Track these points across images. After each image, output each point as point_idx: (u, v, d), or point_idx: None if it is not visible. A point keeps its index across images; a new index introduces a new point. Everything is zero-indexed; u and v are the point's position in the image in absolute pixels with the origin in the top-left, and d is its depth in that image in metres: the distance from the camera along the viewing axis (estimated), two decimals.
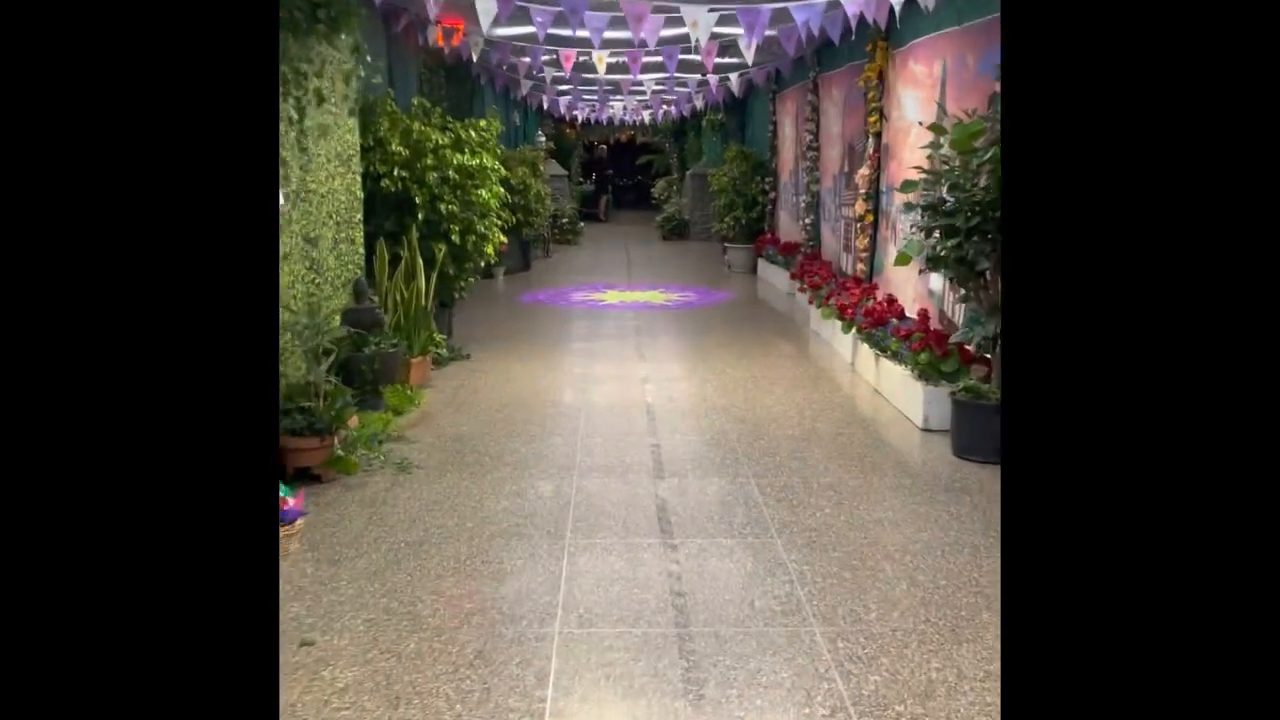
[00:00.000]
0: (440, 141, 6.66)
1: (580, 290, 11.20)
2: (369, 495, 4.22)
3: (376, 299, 6.17)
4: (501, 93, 13.47)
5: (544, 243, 14.57)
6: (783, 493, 4.28)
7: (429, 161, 6.59)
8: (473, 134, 6.85)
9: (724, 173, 12.90)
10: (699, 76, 11.99)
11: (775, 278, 11.36)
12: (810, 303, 8.27)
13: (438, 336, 6.45)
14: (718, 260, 14.06)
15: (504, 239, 7.08)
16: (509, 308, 9.94)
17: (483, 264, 7.04)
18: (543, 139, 15.06)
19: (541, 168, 13.93)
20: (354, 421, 4.76)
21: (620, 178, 26.11)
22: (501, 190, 6.97)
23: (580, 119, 18.30)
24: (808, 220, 10.13)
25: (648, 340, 8.07)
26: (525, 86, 11.76)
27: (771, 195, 12.51)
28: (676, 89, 13.75)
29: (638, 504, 4.13)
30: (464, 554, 3.60)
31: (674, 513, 4.03)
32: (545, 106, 13.79)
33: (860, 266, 7.59)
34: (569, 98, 13.43)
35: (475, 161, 6.73)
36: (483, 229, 6.84)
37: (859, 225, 7.65)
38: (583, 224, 17.44)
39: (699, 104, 12.46)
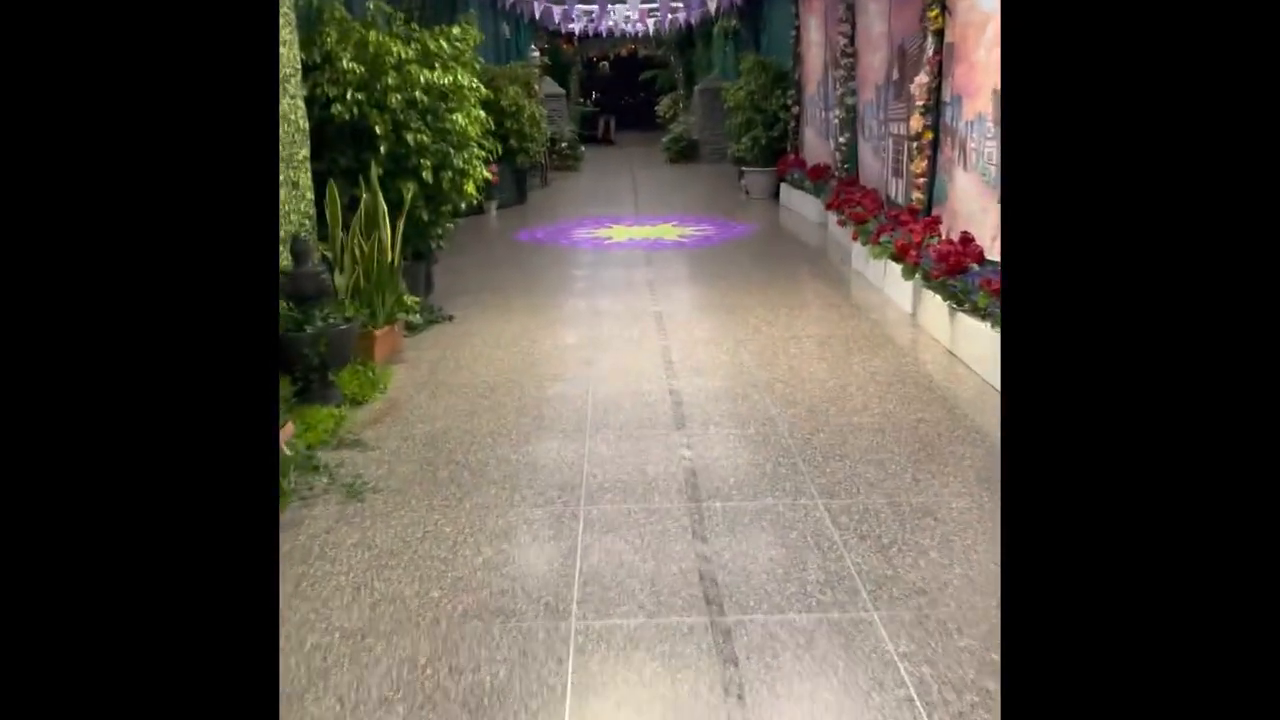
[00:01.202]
0: (404, 55, 5.37)
1: (582, 225, 9.94)
2: (301, 544, 3.09)
3: (330, 255, 4.97)
4: (487, 1, 12.00)
5: (542, 170, 13.23)
6: (865, 524, 3.14)
7: (390, 81, 5.30)
8: (444, 45, 5.53)
9: (740, 86, 11.48)
10: None
11: (802, 205, 10.07)
12: (854, 239, 7.02)
13: (408, 299, 5.25)
14: (733, 185, 12.73)
15: (488, 174, 5.82)
16: (501, 249, 8.69)
17: (463, 205, 5.79)
18: (536, 54, 13.57)
19: (536, 87, 12.53)
20: (288, 431, 3.61)
21: (622, 95, 24.47)
22: (483, 115, 5.67)
23: (577, 32, 16.76)
24: (842, 140, 8.79)
25: (663, 289, 6.85)
26: None
27: (795, 111, 11.11)
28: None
29: (668, 553, 2.99)
30: (422, 656, 2.48)
31: (722, 568, 2.89)
32: (537, 17, 12.29)
33: (917, 195, 6.33)
34: (564, 6, 11.93)
35: (449, 79, 5.43)
36: (460, 163, 5.58)
37: (915, 145, 6.36)
38: (584, 148, 16.01)
39: (711, 6, 10.97)
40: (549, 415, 4.26)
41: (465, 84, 5.49)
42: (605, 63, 21.93)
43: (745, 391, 4.51)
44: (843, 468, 3.61)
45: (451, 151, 5.51)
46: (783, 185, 10.90)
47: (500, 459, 3.77)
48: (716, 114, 16.10)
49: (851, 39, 8.44)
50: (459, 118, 5.42)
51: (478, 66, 5.83)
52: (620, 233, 9.41)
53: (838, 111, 8.89)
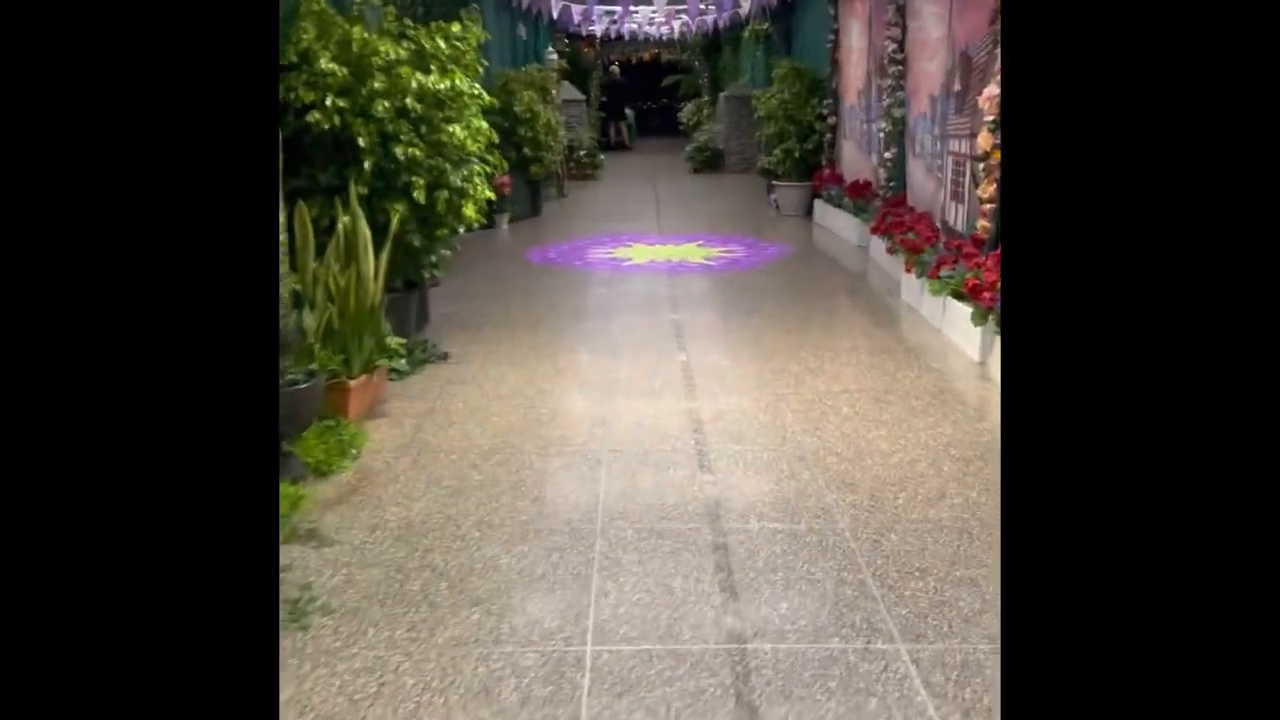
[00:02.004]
0: (395, 55, 4.61)
1: (600, 243, 9.16)
2: None
3: (299, 288, 4.21)
4: (503, 2, 11.26)
5: (558, 181, 12.47)
6: (968, 688, 2.33)
7: (377, 85, 4.54)
8: (441, 45, 4.77)
9: (772, 95, 10.67)
10: None
11: (838, 224, 9.26)
12: (908, 270, 6.21)
13: (393, 341, 4.48)
14: (761, 199, 11.93)
15: (491, 193, 5.05)
16: (509, 271, 7.91)
17: (461, 229, 5.03)
18: (554, 57, 12.80)
19: (554, 92, 11.78)
20: None
21: (645, 101, 23.70)
22: (485, 126, 4.90)
23: (599, 34, 16.02)
24: (887, 155, 7.98)
25: (689, 325, 6.06)
26: None
27: (831, 122, 10.30)
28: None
29: None
30: None
31: None
32: (555, 17, 11.53)
33: (983, 224, 5.51)
34: (584, 5, 11.17)
35: (446, 84, 4.67)
36: (459, 181, 4.81)
37: (982, 166, 5.54)
38: (602, 156, 15.24)
39: (745, 7, 10.17)
40: (551, 498, 3.47)
41: (465, 89, 4.72)
42: (615, 66, 21.09)
43: (792, 468, 3.71)
44: (925, 590, 2.80)
45: (448, 168, 4.75)
46: (817, 202, 10.09)
47: (487, 563, 2.98)
48: (743, 123, 15.31)
49: (901, 44, 7.63)
50: (457, 129, 4.65)
51: (482, 69, 5.05)
52: (640, 253, 8.62)
53: (883, 124, 8.07)
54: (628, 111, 20.71)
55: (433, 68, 4.75)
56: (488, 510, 3.36)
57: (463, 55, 4.83)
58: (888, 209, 7.41)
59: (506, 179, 9.83)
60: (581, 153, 14.58)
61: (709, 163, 15.64)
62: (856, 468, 3.71)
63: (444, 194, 4.76)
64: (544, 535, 3.17)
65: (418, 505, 3.41)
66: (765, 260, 8.18)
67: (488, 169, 5.10)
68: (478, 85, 4.85)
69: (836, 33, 10.05)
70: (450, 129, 4.66)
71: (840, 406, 4.43)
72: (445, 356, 5.20)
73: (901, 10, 7.57)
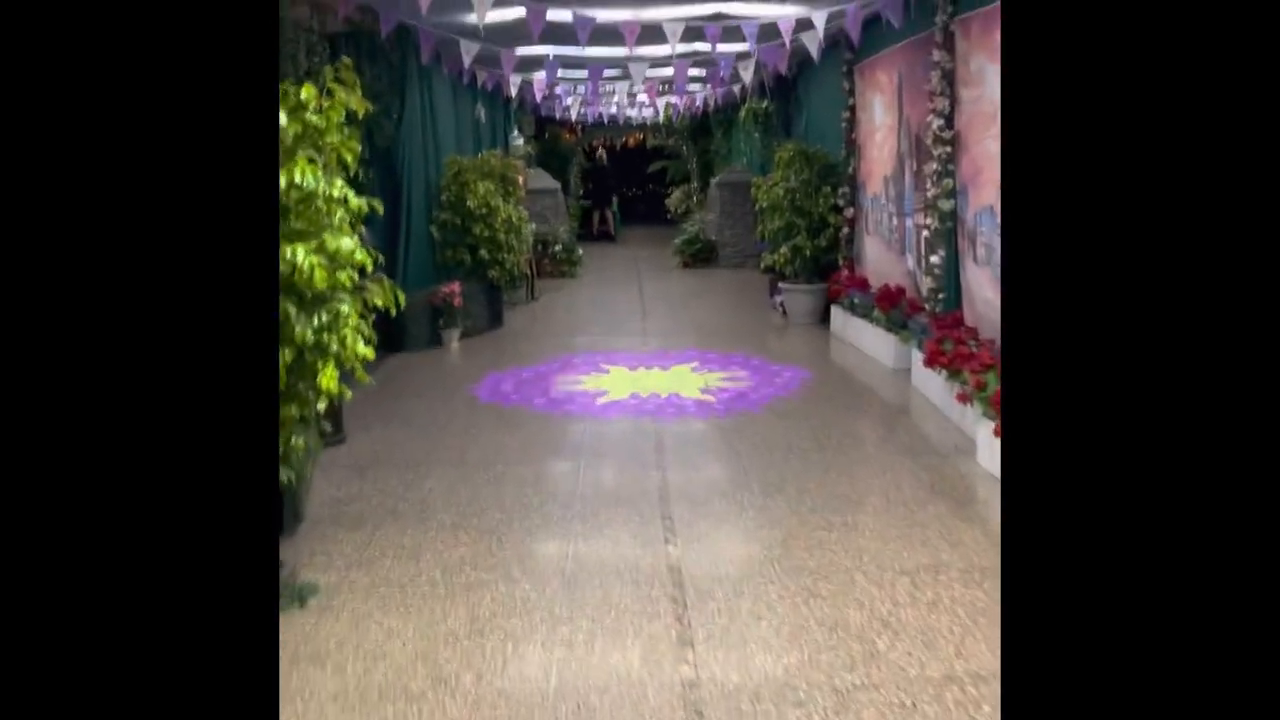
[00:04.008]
0: None
1: (571, 366, 7.33)
2: None
3: None
4: (467, 84, 9.68)
5: (528, 282, 10.72)
6: None
7: None
8: (282, 118, 2.98)
9: (776, 183, 9.00)
10: (738, 47, 8.13)
11: (866, 340, 7.47)
12: (998, 435, 4.36)
13: None
14: (762, 299, 10.19)
15: (369, 350, 3.21)
16: (446, 416, 6.02)
17: (320, 404, 3.15)
18: (519, 140, 11.18)
19: (520, 180, 10.11)
20: None
21: (629, 187, 22.26)
22: (353, 245, 3.08)
23: (573, 118, 14.57)
24: (934, 259, 6.22)
25: (687, 523, 4.17)
26: (474, 62, 7.96)
27: (848, 214, 8.61)
28: (693, 74, 9.93)
29: None
30: None
31: None
32: (514, 95, 9.92)
33: None
34: (545, 80, 9.57)
35: (284, 179, 2.86)
36: (309, 333, 2.97)
37: None
38: (580, 251, 13.56)
39: (746, 78, 8.52)
40: None
41: (316, 189, 2.91)
42: (602, 151, 19.69)
43: None
44: None
45: (292, 313, 2.91)
46: (834, 309, 8.33)
47: None
48: (738, 211, 13.72)
49: (950, 119, 5.94)
50: (300, 251, 2.82)
51: (360, 147, 3.27)
52: (620, 382, 6.79)
53: (928, 219, 6.34)
54: (613, 198, 19.25)
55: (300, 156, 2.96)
56: None
57: (321, 133, 3.04)
58: (944, 331, 5.61)
59: (456, 287, 8.07)
60: (557, 248, 12.89)
61: (700, 256, 13.96)
62: None
63: (286, 353, 2.91)
64: None
65: None
66: (779, 393, 6.34)
67: (370, 306, 3.27)
68: (341, 184, 3.04)
69: (853, 109, 8.43)
70: (292, 249, 2.83)
71: (950, 708, 2.52)
72: (303, 600, 3.30)
73: (950, 78, 5.90)
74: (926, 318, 6.17)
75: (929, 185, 6.22)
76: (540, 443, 5.38)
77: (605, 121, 16.15)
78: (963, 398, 4.85)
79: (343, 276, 3.06)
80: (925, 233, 6.39)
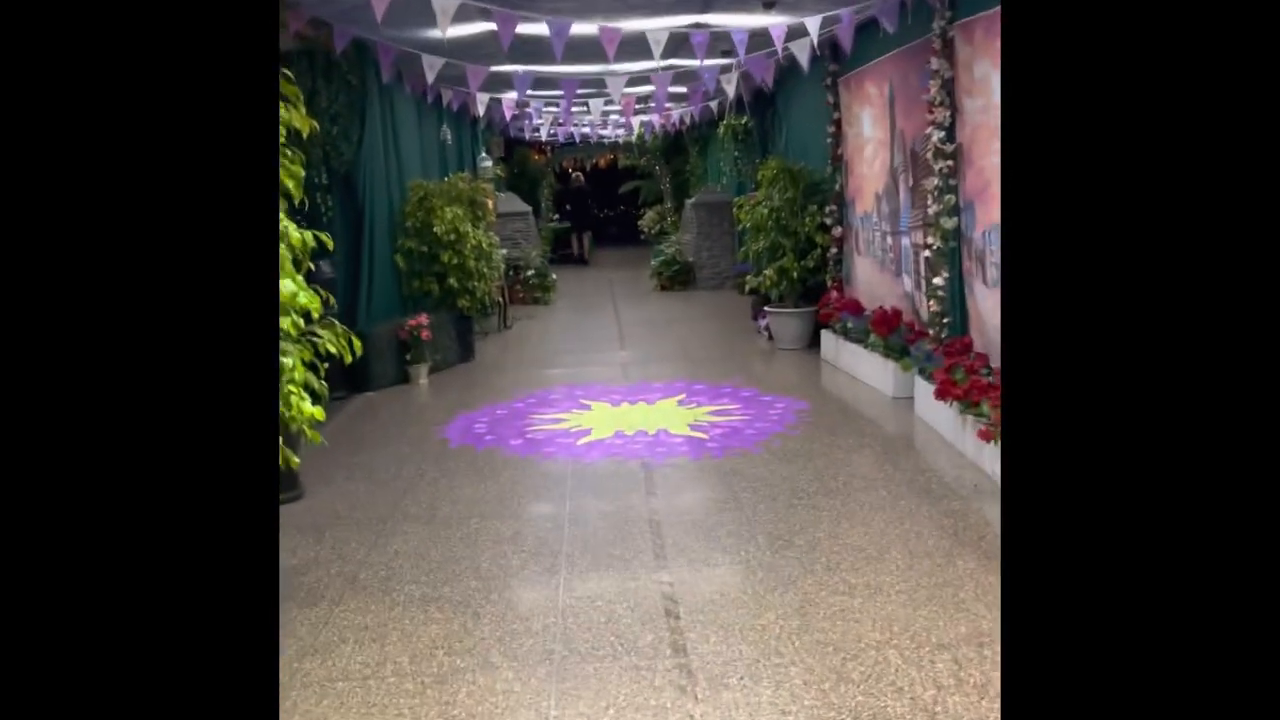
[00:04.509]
0: None
1: (548, 404, 6.85)
2: None
3: None
4: (432, 103, 9.21)
5: (500, 310, 10.24)
6: None
7: None
8: None
9: (759, 202, 8.59)
10: (721, 61, 7.75)
11: (862, 367, 7.05)
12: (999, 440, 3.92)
13: None
14: (745, 321, 9.78)
15: (319, 410, 2.73)
16: (414, 464, 5.50)
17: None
18: (488, 162, 10.71)
19: (490, 203, 9.65)
20: None
21: (601, 209, 21.85)
22: (296, 289, 2.59)
23: (544, 137, 14.14)
24: (937, 280, 5.81)
25: (689, 580, 3.69)
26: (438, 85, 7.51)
27: (837, 233, 8.21)
28: (674, 91, 9.53)
29: None
30: None
31: None
32: (480, 115, 9.45)
33: None
34: (516, 96, 9.12)
35: None
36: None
37: None
38: (554, 276, 13.09)
39: (729, 90, 8.10)
40: None
41: None
42: (578, 174, 19.30)
43: None
44: None
45: None
46: (825, 333, 7.91)
47: None
48: (716, 232, 13.36)
49: (951, 131, 5.55)
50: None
51: (303, 172, 2.79)
52: (603, 418, 6.31)
53: (929, 238, 5.94)
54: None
55: None
56: None
57: None
58: (953, 359, 5.20)
59: (423, 319, 7.56)
60: (529, 273, 12.41)
61: (678, 278, 13.53)
62: None
63: None
64: None
65: None
66: (776, 428, 5.88)
67: (322, 350, 2.79)
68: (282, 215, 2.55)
69: (838, 124, 8.05)
70: None
71: None
72: None
73: (949, 87, 5.51)
74: (931, 344, 5.75)
75: (929, 202, 5.82)
76: (518, 492, 4.88)
77: (577, 141, 15.74)
78: (985, 435, 4.42)
79: (285, 324, 2.56)
80: (926, 253, 5.98)
